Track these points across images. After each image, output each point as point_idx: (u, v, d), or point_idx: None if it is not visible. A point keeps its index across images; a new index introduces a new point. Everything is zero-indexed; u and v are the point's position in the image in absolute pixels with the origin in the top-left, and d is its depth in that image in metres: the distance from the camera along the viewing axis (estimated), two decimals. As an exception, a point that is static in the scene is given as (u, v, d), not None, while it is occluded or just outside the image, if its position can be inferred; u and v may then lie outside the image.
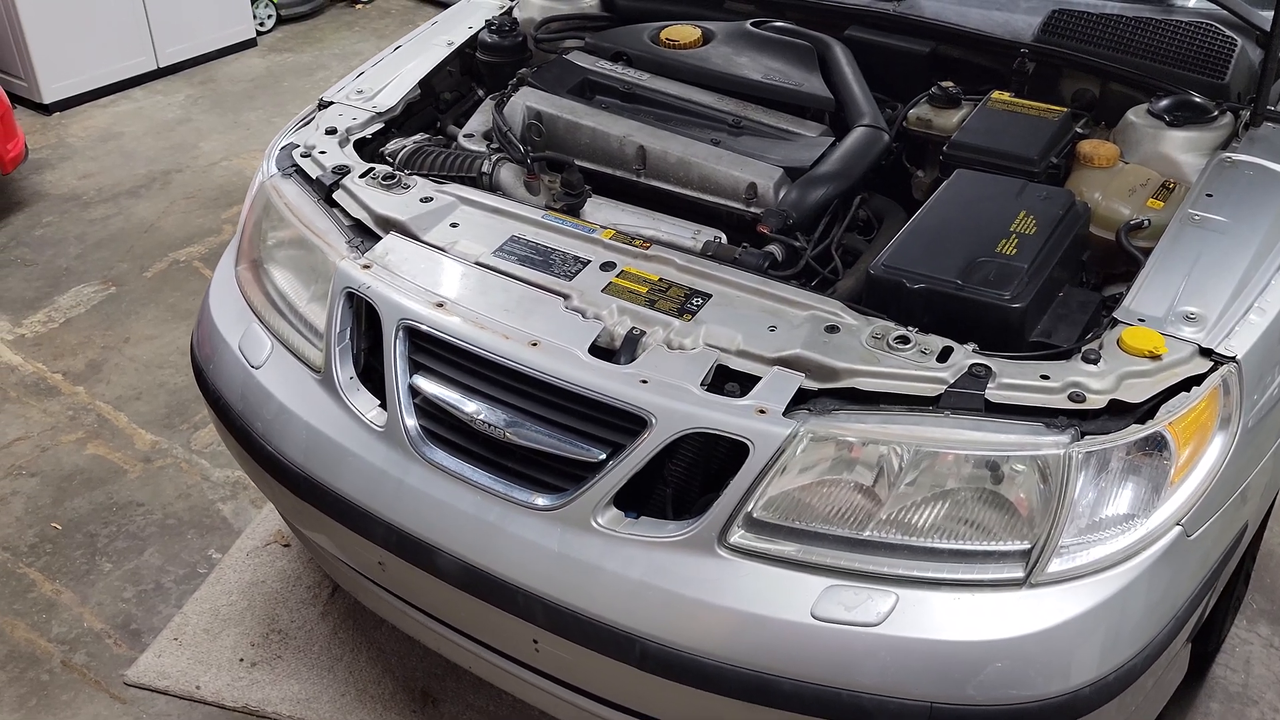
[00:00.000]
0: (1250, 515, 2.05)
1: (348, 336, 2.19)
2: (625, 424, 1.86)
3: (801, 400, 1.83)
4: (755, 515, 1.81)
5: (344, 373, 2.17)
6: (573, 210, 2.35)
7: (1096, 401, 1.77)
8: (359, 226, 2.30)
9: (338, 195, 2.37)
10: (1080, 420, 1.76)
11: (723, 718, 1.83)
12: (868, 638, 1.72)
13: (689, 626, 1.80)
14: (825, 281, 2.24)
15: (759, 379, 1.86)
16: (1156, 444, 1.77)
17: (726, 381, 1.89)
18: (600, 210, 2.41)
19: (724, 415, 1.81)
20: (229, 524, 3.01)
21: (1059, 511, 1.73)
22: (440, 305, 2.07)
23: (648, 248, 2.13)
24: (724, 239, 2.27)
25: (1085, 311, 2.01)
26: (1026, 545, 1.75)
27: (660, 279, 2.07)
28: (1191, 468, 1.82)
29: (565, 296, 2.05)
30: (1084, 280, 2.16)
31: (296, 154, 2.51)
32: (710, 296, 2.02)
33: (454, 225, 2.25)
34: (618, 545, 1.86)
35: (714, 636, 1.79)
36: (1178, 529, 1.79)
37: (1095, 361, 1.81)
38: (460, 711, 2.50)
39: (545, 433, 1.92)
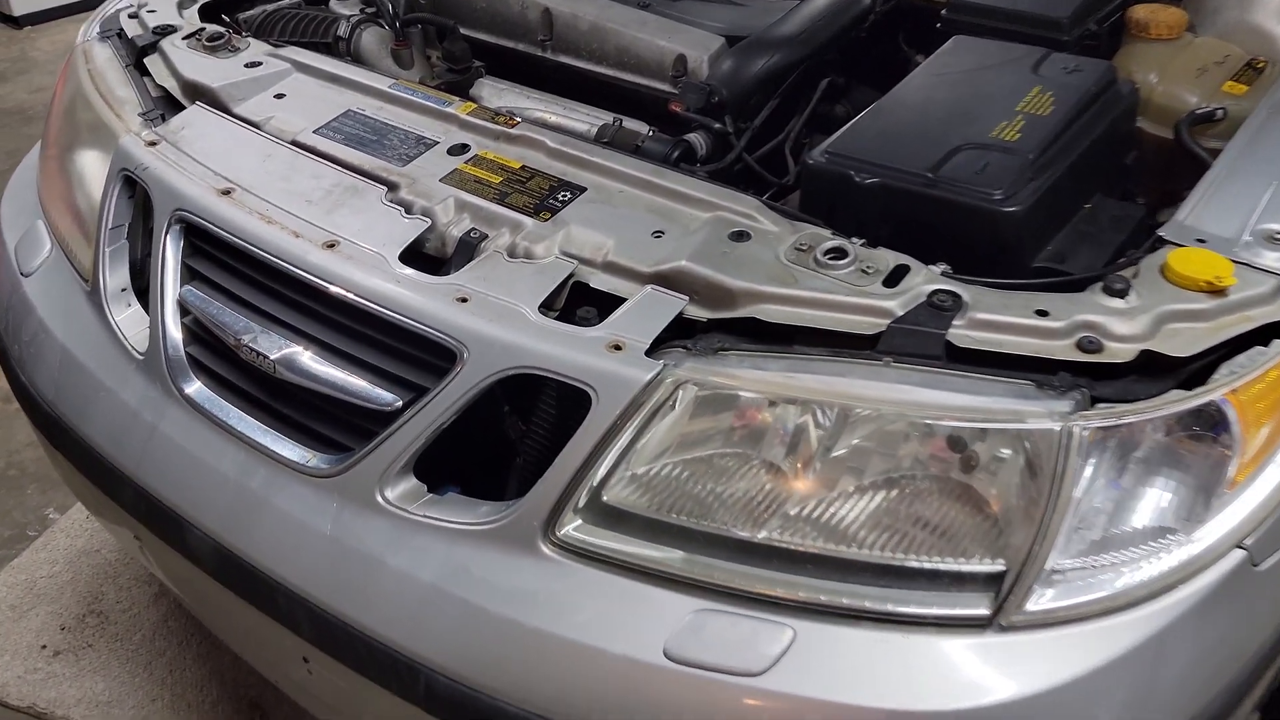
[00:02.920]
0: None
1: (124, 235, 1.66)
2: (429, 358, 1.30)
3: (684, 335, 1.25)
4: (605, 499, 1.23)
5: (114, 281, 1.63)
6: (455, 91, 1.79)
7: (1120, 353, 1.16)
8: (168, 99, 1.77)
9: (150, 60, 1.83)
10: (1093, 381, 1.15)
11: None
12: (744, 693, 1.13)
13: (490, 655, 1.23)
14: (778, 196, 1.66)
15: (625, 302, 1.28)
16: (1210, 422, 1.15)
17: (583, 305, 1.31)
18: (498, 95, 1.85)
19: (561, 350, 1.23)
20: (79, 478, 2.50)
21: (1050, 517, 1.12)
22: (227, 193, 1.52)
23: (513, 125, 1.55)
24: (641, 129, 1.69)
25: (1121, 230, 1.39)
26: (999, 566, 1.15)
27: (523, 166, 1.49)
28: (1265, 463, 1.19)
29: (391, 185, 1.49)
30: (1128, 196, 1.53)
31: (124, 15, 1.98)
32: (583, 190, 1.44)
33: (279, 96, 1.70)
34: (409, 531, 1.30)
35: (524, 673, 1.22)
36: (1239, 554, 1.16)
37: (1123, 294, 1.20)
38: (292, 731, 1.96)
39: (327, 367, 1.37)
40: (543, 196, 1.43)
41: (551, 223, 1.39)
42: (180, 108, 1.73)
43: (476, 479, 1.38)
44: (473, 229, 1.41)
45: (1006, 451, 1.16)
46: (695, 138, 1.61)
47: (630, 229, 1.36)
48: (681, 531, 1.22)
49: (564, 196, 1.43)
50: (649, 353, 1.21)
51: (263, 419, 1.43)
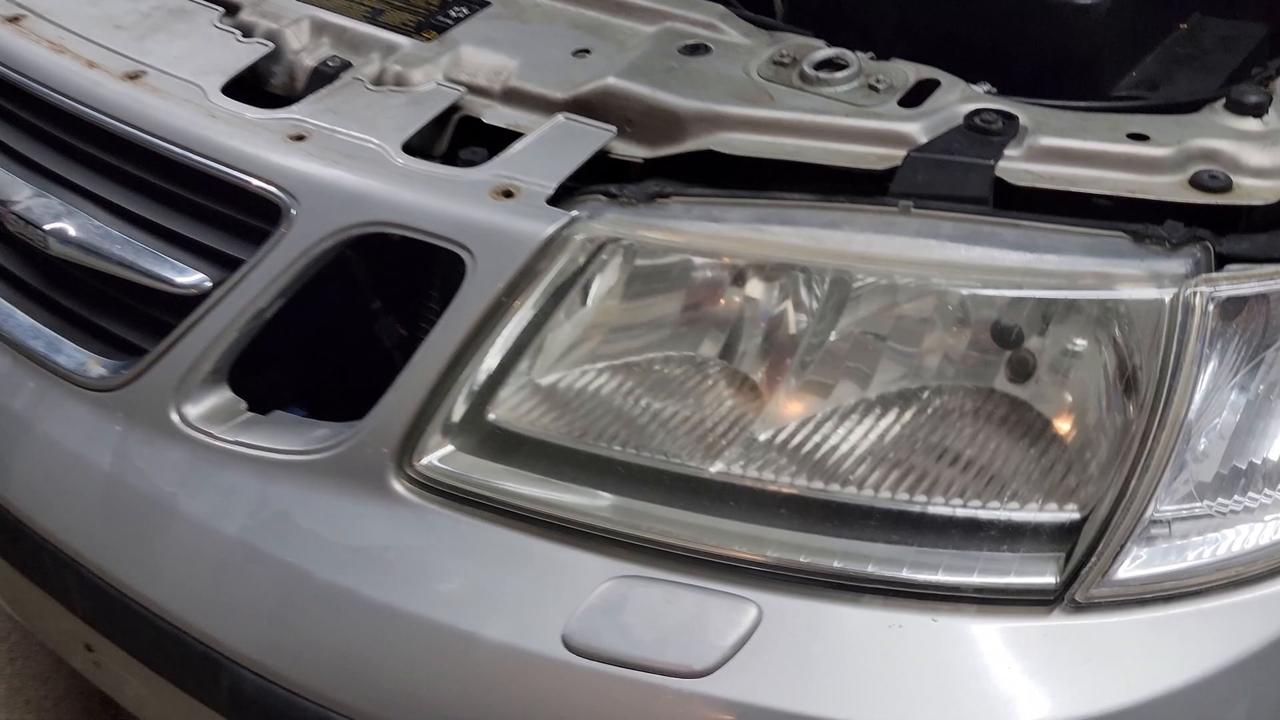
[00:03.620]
0: None
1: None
2: (248, 219, 0.91)
3: (611, 179, 0.86)
4: (491, 417, 0.84)
5: (-119, 148, 1.25)
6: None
7: (1256, 192, 0.78)
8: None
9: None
10: (1215, 235, 0.76)
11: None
12: (681, 701, 0.75)
13: (318, 644, 0.84)
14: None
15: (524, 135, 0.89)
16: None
17: (471, 145, 0.92)
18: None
19: (426, 198, 0.84)
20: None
21: (1152, 442, 0.73)
22: (15, 20, 1.13)
23: (402, -68, 1.16)
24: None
25: (1235, 51, 1.00)
26: (1071, 515, 0.76)
27: (410, -19, 1.10)
28: None
29: (231, 8, 1.10)
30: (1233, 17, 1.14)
31: None
32: (486, 6, 1.05)
33: (111, -86, 1.31)
34: (213, 464, 0.91)
35: (363, 669, 0.83)
36: None
37: (1258, 112, 0.81)
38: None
39: (112, 240, 0.98)
40: (429, 13, 1.04)
41: (437, 43, 1.00)
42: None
43: (339, 406, 0.99)
44: (332, 56, 1.03)
45: (1081, 344, 0.78)
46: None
47: (543, 47, 0.97)
48: (599, 463, 0.83)
49: (457, 12, 1.04)
50: (553, 200, 0.82)
51: (38, 315, 1.04)
